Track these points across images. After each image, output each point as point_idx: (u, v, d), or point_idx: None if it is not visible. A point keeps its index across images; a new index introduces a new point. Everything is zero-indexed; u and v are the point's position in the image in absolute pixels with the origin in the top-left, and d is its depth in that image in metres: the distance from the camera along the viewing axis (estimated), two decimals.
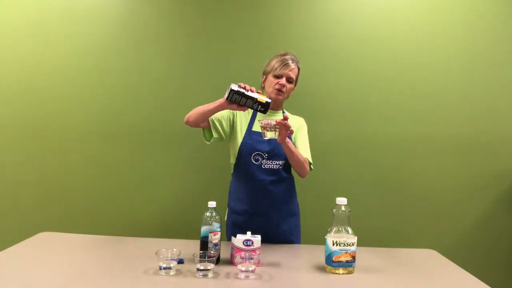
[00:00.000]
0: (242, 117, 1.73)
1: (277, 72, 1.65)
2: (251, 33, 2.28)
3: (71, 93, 2.31)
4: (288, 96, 1.72)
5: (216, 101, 1.54)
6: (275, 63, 1.67)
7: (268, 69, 1.70)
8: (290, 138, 1.68)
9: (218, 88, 2.24)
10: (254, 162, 1.66)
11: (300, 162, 1.58)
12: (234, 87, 1.45)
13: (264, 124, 1.45)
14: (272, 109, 1.72)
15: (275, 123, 1.44)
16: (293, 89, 1.72)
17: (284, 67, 1.65)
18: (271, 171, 1.66)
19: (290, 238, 1.73)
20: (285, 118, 1.43)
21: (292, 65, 1.67)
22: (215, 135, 1.67)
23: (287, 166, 1.70)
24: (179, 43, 2.29)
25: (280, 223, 1.70)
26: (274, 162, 1.66)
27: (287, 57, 1.68)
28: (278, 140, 1.48)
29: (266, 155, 1.66)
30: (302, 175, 1.63)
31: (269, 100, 1.48)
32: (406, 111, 2.27)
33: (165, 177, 2.31)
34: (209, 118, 1.64)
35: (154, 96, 2.30)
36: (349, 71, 2.27)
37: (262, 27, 2.28)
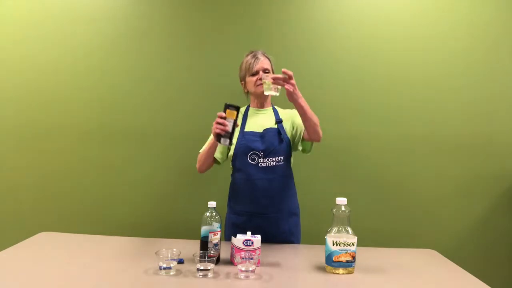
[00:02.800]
0: None
1: (251, 70, 1.70)
2: (251, 34, 2.28)
3: (71, 94, 2.31)
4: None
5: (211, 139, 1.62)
6: (245, 65, 1.73)
7: (243, 73, 1.76)
8: (282, 129, 1.70)
9: (220, 88, 2.26)
10: (250, 161, 1.67)
11: (315, 123, 1.55)
12: (219, 138, 1.45)
13: (265, 78, 1.46)
14: (262, 106, 1.77)
15: (269, 78, 1.44)
16: None
17: (255, 62, 1.70)
18: (268, 169, 1.67)
19: (290, 238, 1.72)
20: (290, 77, 1.42)
21: (261, 58, 1.72)
22: (224, 157, 1.76)
23: (285, 164, 1.70)
24: (180, 43, 2.29)
25: (280, 223, 1.70)
26: (271, 159, 1.67)
27: (254, 53, 1.73)
28: (288, 99, 1.46)
29: (262, 153, 1.66)
30: (317, 139, 1.60)
31: (234, 105, 1.46)
32: (406, 112, 2.27)
33: (165, 177, 2.31)
34: (222, 156, 1.74)
35: (155, 97, 2.30)
36: (349, 72, 2.27)
37: (262, 27, 2.28)
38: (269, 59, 1.76)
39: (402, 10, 2.26)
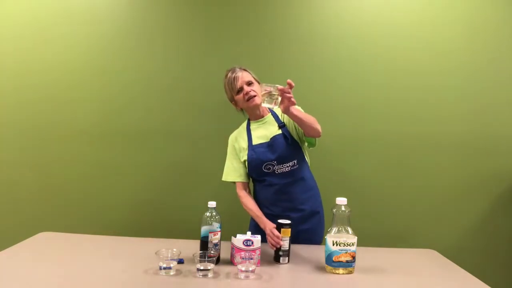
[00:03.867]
0: (240, 140, 1.78)
1: (236, 88, 1.71)
2: (250, 33, 2.28)
3: (71, 93, 2.31)
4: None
5: (262, 223, 1.61)
6: (228, 85, 1.75)
7: (229, 95, 1.78)
8: (287, 132, 1.69)
9: (220, 88, 2.25)
10: (266, 171, 1.68)
11: (312, 123, 1.53)
12: (278, 258, 1.48)
13: (265, 91, 1.37)
14: (261, 117, 1.78)
15: (275, 89, 1.35)
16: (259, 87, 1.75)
17: (235, 81, 1.71)
18: (285, 174, 1.68)
19: (313, 236, 1.73)
20: (290, 86, 1.36)
21: (240, 73, 1.72)
22: (248, 177, 1.78)
23: (301, 166, 1.70)
24: (180, 43, 2.29)
25: (302, 223, 1.70)
26: (285, 165, 1.67)
27: (232, 71, 1.74)
28: (281, 111, 1.41)
29: (275, 161, 1.67)
30: (317, 135, 1.59)
31: (288, 223, 1.49)
32: (406, 111, 2.27)
33: (165, 177, 2.31)
34: (246, 178, 1.76)
35: (154, 96, 2.30)
36: (349, 70, 2.27)
37: (261, 27, 2.28)
38: (248, 71, 1.76)
39: (403, 9, 2.26)
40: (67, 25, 2.31)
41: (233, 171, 1.76)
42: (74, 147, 2.32)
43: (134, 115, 2.31)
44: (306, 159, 1.77)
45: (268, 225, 1.54)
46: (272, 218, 1.67)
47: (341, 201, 1.36)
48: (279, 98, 1.38)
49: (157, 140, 2.31)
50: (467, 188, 2.27)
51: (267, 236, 1.52)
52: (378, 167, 2.27)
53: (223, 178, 1.79)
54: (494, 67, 2.25)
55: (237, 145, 1.77)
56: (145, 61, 2.30)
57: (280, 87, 1.35)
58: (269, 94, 1.37)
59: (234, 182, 1.77)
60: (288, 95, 1.36)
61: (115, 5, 2.30)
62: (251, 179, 1.80)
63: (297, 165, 1.69)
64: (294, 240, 1.63)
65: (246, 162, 1.72)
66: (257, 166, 1.68)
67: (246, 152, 1.72)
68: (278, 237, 1.46)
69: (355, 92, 2.27)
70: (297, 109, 1.48)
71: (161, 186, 2.31)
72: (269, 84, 1.36)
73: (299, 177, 1.70)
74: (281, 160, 1.66)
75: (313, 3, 2.27)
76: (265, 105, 1.40)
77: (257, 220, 1.66)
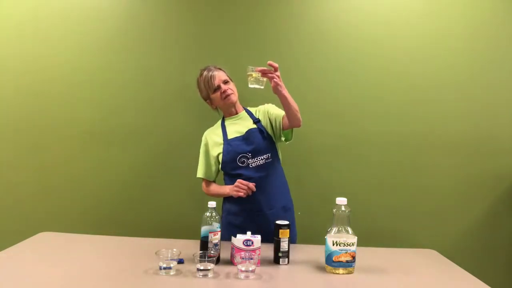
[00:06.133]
0: (213, 136, 1.80)
1: (212, 88, 1.74)
2: (249, 33, 2.28)
3: (71, 92, 2.31)
4: (237, 93, 1.79)
5: (226, 188, 1.71)
6: (203, 84, 1.77)
7: (204, 93, 1.80)
8: (262, 127, 1.73)
9: None
10: (240, 164, 1.70)
11: (296, 109, 1.58)
12: (277, 259, 1.45)
13: (251, 72, 1.47)
14: (235, 113, 1.81)
15: (259, 72, 1.45)
16: (235, 85, 1.80)
17: (211, 79, 1.73)
18: (258, 168, 1.70)
19: None
20: (275, 69, 1.46)
21: (216, 72, 1.75)
22: (217, 174, 1.84)
23: (274, 160, 1.73)
24: (178, 43, 2.29)
25: (275, 220, 1.70)
26: (260, 158, 1.70)
27: (208, 70, 1.76)
28: (273, 90, 1.49)
29: (250, 154, 1.69)
30: (298, 124, 1.63)
31: (285, 224, 1.46)
32: (405, 111, 2.27)
33: (165, 177, 2.31)
34: (211, 175, 1.82)
35: (155, 96, 2.30)
36: (348, 70, 2.27)
37: (260, 27, 2.28)
38: (223, 70, 1.79)
39: (402, 9, 2.26)
40: (66, 25, 2.30)
41: (202, 168, 1.83)
42: (74, 147, 2.31)
43: (135, 115, 2.30)
44: (279, 156, 1.81)
45: (229, 186, 1.67)
46: (247, 215, 1.70)
47: (341, 201, 1.36)
48: (264, 79, 1.48)
49: (158, 140, 2.30)
50: (467, 188, 2.27)
51: (234, 192, 1.63)
52: (378, 166, 2.27)
53: (197, 175, 1.86)
54: (494, 67, 2.25)
55: (210, 141, 1.80)
56: (145, 60, 2.30)
57: (259, 68, 1.45)
58: (254, 76, 1.47)
59: (203, 179, 1.84)
60: (270, 75, 1.46)
61: (115, 5, 2.30)
62: (224, 177, 1.82)
63: (271, 159, 1.72)
64: (268, 238, 1.62)
65: (220, 156, 1.74)
66: (232, 159, 1.70)
67: (221, 146, 1.74)
68: (246, 184, 1.60)
69: (355, 92, 2.27)
70: (287, 91, 1.54)
71: (161, 186, 2.31)
72: (252, 67, 1.46)
73: (273, 172, 1.73)
74: (256, 153, 1.69)
75: (312, 3, 2.27)
76: (252, 86, 1.49)
77: (221, 191, 1.74)
